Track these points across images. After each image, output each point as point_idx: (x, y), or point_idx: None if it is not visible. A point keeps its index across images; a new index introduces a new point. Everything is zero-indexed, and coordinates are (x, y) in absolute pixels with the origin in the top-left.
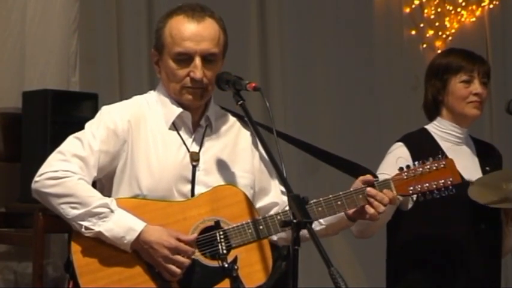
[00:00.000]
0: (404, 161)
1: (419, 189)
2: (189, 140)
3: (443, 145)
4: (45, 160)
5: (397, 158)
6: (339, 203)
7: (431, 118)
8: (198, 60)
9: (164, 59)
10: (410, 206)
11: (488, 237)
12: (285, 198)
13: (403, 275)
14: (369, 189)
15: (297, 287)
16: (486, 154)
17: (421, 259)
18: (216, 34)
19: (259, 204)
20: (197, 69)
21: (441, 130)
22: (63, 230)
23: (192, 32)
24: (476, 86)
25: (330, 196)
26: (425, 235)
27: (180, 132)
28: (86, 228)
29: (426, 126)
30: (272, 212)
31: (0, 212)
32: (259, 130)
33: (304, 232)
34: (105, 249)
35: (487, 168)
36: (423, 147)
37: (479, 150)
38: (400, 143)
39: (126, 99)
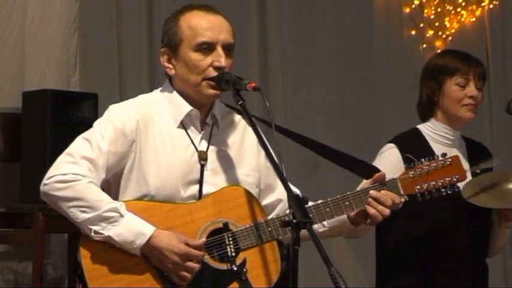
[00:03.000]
0: (400, 169)
1: (425, 187)
2: (196, 139)
3: (435, 147)
4: (45, 160)
5: (397, 164)
6: (347, 203)
7: (424, 118)
8: (220, 49)
9: (182, 53)
10: (400, 206)
11: (478, 238)
12: None
13: (393, 276)
14: (372, 191)
15: (297, 287)
16: (477, 156)
17: (410, 260)
18: (230, 27)
19: (265, 201)
20: (221, 57)
21: (433, 131)
22: (63, 230)
23: (212, 22)
24: (471, 89)
25: (338, 196)
26: (415, 236)
27: (188, 131)
28: (96, 232)
29: (418, 126)
30: (277, 209)
31: (0, 212)
32: (259, 130)
33: (305, 233)
34: (114, 254)
35: (477, 171)
36: (414, 149)
37: (470, 151)
38: (392, 145)
39: (126, 99)
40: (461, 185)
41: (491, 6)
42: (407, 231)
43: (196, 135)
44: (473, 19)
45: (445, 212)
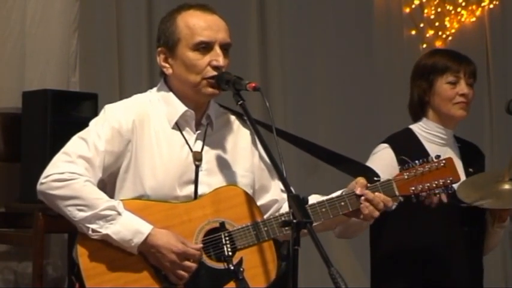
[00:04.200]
0: (393, 169)
1: (420, 188)
2: (191, 140)
3: (428, 146)
4: (45, 160)
5: (390, 163)
6: (342, 203)
7: (416, 119)
8: (218, 49)
9: (180, 53)
10: (394, 206)
11: (471, 239)
12: (285, 195)
13: (387, 277)
14: (366, 191)
15: (297, 287)
16: (469, 155)
17: (404, 261)
18: (227, 27)
19: (259, 202)
20: (220, 56)
21: (426, 131)
22: (63, 230)
23: (210, 22)
24: (462, 87)
25: (333, 196)
26: (409, 237)
27: (183, 132)
28: (93, 230)
29: (411, 126)
30: (272, 210)
31: (0, 212)
32: (259, 130)
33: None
34: (111, 252)
35: (470, 169)
36: (408, 148)
37: (462, 151)
38: (385, 145)
39: (126, 99)
40: (456, 184)
41: (491, 6)
42: (401, 232)
43: (191, 136)
44: (473, 19)
45: (438, 213)
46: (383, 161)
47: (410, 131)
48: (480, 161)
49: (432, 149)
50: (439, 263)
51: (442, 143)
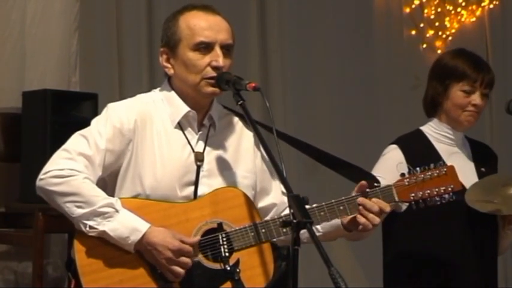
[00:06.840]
0: (404, 166)
1: (420, 195)
2: (193, 140)
3: (438, 147)
4: (45, 160)
5: (397, 164)
6: (341, 208)
7: (428, 115)
8: (218, 49)
9: (181, 53)
10: (404, 208)
11: (484, 239)
12: (285, 198)
13: (400, 278)
14: (360, 198)
15: (297, 287)
16: (481, 155)
17: (415, 262)
18: (229, 27)
19: (260, 204)
20: (219, 57)
21: (436, 132)
22: (63, 230)
23: (211, 22)
24: (476, 97)
25: (332, 201)
26: (420, 238)
27: (185, 132)
28: (91, 227)
29: (421, 128)
30: (272, 213)
31: (0, 212)
32: (260, 130)
33: (303, 236)
34: (108, 250)
35: (482, 169)
36: (417, 149)
37: (474, 151)
38: (394, 146)
39: (126, 99)
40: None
41: (491, 6)
42: (412, 233)
43: (193, 136)
44: (473, 19)
45: (449, 214)
46: (392, 161)
47: (420, 132)
48: (492, 161)
49: (442, 149)
50: (450, 263)
51: (451, 143)
